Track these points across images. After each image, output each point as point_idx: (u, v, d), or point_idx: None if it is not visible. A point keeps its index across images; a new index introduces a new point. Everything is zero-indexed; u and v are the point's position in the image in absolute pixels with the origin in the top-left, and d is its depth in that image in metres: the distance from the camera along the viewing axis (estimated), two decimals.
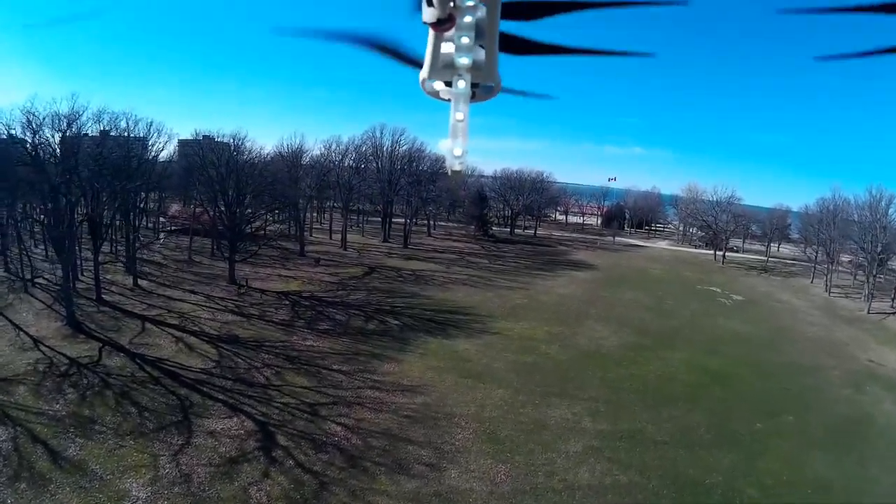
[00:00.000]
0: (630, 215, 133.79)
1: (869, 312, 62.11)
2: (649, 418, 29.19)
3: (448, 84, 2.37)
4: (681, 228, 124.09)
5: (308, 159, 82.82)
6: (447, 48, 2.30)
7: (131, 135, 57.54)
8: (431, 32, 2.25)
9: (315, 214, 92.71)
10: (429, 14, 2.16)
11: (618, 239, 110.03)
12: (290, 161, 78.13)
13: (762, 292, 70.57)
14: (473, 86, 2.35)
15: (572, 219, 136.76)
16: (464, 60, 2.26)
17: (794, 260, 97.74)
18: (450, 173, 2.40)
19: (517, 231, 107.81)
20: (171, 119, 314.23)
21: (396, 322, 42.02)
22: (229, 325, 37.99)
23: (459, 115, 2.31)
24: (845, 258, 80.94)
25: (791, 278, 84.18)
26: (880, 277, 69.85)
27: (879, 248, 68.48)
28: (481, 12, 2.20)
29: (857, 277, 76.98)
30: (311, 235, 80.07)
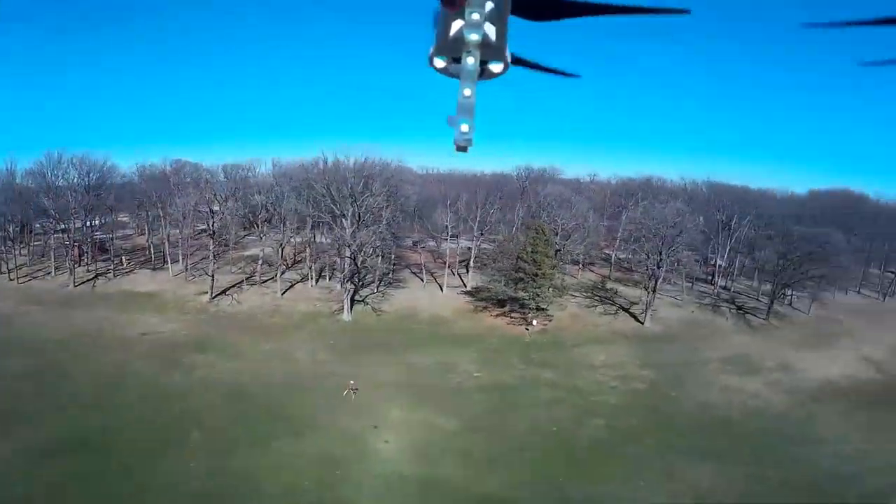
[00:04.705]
0: None
1: (76, 286, 62.66)
2: None
3: (457, 60, 2.38)
4: None
5: None
6: (457, 24, 2.32)
7: None
8: (442, 7, 2.30)
9: None
10: None
11: None
12: None
13: None
14: (482, 63, 2.37)
15: None
16: (474, 37, 2.28)
17: None
18: (455, 149, 2.42)
19: None
20: None
21: None
22: None
23: (467, 92, 2.33)
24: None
25: None
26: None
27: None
28: None
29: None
30: None
